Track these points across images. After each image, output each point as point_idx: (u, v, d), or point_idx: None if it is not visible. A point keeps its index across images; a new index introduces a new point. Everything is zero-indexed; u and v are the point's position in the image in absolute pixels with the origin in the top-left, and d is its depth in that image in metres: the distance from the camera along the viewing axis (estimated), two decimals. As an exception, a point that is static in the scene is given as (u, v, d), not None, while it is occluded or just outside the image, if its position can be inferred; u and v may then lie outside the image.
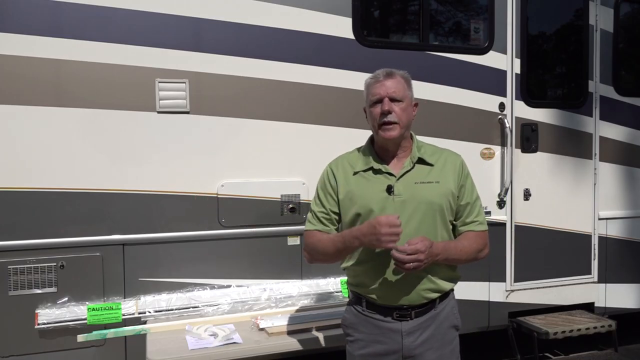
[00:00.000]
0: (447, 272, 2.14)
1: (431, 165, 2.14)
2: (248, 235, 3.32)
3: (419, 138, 2.27)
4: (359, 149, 2.27)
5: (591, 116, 4.14)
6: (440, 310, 2.14)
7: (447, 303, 2.17)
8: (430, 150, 2.20)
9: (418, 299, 2.09)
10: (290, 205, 3.37)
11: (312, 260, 2.25)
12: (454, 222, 2.18)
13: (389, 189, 2.08)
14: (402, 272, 2.02)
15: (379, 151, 2.19)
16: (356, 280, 2.19)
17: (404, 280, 2.06)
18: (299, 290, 3.31)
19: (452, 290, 2.22)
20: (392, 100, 2.09)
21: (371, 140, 2.25)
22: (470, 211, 2.17)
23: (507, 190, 3.85)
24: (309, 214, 2.26)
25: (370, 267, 2.09)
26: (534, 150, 3.97)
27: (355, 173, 2.16)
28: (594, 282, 4.18)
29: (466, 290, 3.64)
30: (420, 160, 2.14)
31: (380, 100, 2.10)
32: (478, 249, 2.15)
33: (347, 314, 2.28)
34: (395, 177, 2.11)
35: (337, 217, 2.20)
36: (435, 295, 2.12)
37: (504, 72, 3.86)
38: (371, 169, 2.15)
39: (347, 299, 2.32)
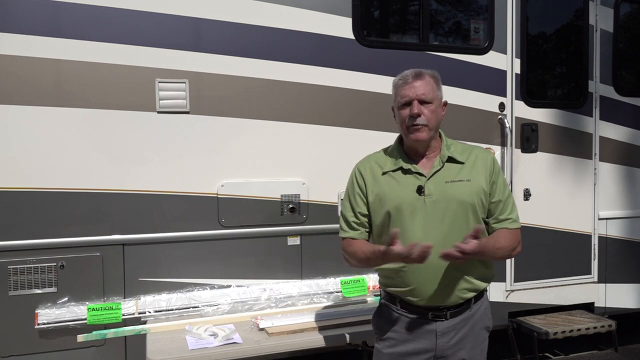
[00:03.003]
0: (482, 271, 2.13)
1: (461, 163, 2.12)
2: (248, 235, 3.32)
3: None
4: (386, 149, 2.24)
5: (591, 116, 4.13)
6: (475, 311, 2.14)
7: (481, 304, 2.17)
8: (459, 149, 2.18)
9: (454, 299, 2.08)
10: (290, 205, 3.37)
11: (350, 266, 2.24)
12: (487, 220, 2.15)
13: (420, 190, 2.07)
14: (437, 273, 2.03)
15: (408, 151, 2.17)
16: (390, 281, 2.17)
17: (440, 281, 2.05)
18: (299, 290, 3.31)
19: (486, 290, 2.22)
20: (422, 102, 2.06)
21: (399, 140, 2.22)
22: (503, 208, 2.13)
23: (507, 190, 3.85)
24: (341, 219, 2.24)
25: (405, 269, 2.07)
26: (534, 150, 3.96)
27: (384, 173, 2.14)
28: (593, 282, 4.18)
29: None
30: (450, 159, 2.12)
31: (409, 103, 2.07)
32: (512, 247, 2.12)
33: (378, 311, 2.27)
34: (425, 177, 2.09)
35: (367, 220, 2.19)
36: (471, 295, 2.11)
37: (504, 72, 3.86)
38: (400, 169, 2.13)
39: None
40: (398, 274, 2.11)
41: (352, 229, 2.19)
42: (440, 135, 2.19)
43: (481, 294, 2.18)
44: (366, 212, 2.17)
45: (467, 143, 2.28)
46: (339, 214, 2.26)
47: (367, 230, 2.20)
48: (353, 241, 2.17)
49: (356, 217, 2.18)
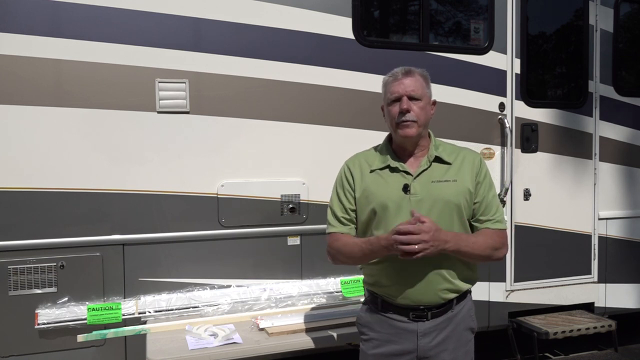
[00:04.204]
0: (464, 272, 2.12)
1: (449, 164, 2.13)
2: (248, 235, 3.32)
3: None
4: (375, 148, 2.26)
5: (591, 116, 4.14)
6: (457, 311, 2.13)
7: (464, 305, 2.16)
8: (448, 149, 2.19)
9: (435, 299, 2.08)
10: (290, 205, 3.37)
11: (335, 262, 2.22)
12: (471, 221, 2.16)
13: (405, 188, 2.08)
14: (419, 272, 2.02)
15: (397, 150, 2.18)
16: (372, 279, 2.18)
17: (421, 280, 2.05)
18: (299, 290, 3.31)
19: (470, 291, 2.21)
20: (411, 98, 2.08)
21: (389, 138, 2.24)
22: (486, 209, 2.13)
23: (507, 190, 3.85)
24: (329, 215, 2.24)
25: (388, 267, 2.08)
26: (534, 150, 3.97)
27: (372, 171, 2.16)
28: (594, 282, 4.18)
29: (466, 290, 3.64)
30: (438, 159, 2.13)
31: (398, 99, 2.08)
32: (494, 246, 2.10)
33: (362, 312, 2.27)
34: (412, 175, 2.10)
35: (355, 216, 2.19)
36: (452, 295, 2.10)
37: (504, 72, 3.86)
38: (388, 167, 2.14)
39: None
40: (380, 271, 2.11)
41: (342, 224, 2.19)
42: (429, 135, 2.21)
43: (464, 294, 2.17)
44: (354, 208, 2.18)
45: (458, 144, 2.28)
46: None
47: (356, 226, 2.21)
48: (341, 236, 2.17)
49: (346, 212, 2.18)
